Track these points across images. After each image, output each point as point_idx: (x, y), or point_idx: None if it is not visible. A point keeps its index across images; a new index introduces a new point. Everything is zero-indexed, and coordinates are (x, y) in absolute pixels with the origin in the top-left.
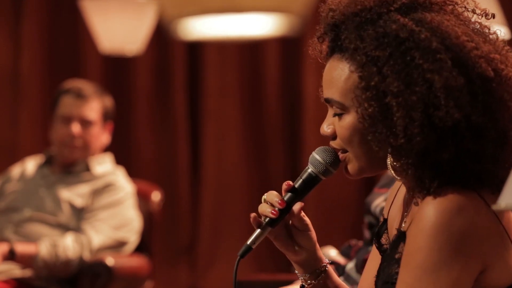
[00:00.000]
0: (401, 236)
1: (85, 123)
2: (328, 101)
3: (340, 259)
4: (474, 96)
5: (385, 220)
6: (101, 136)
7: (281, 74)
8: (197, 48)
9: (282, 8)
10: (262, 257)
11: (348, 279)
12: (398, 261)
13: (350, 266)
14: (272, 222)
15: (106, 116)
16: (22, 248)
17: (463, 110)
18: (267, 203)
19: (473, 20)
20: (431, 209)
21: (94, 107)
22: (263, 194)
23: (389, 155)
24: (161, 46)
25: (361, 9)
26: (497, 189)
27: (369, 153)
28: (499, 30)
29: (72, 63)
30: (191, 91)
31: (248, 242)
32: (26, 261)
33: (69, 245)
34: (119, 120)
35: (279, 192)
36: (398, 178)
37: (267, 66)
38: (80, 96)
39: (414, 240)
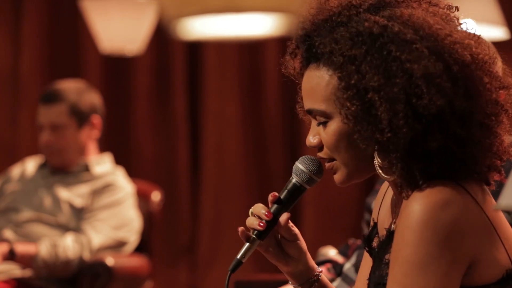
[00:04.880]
0: (390, 236)
1: (55, 128)
2: (310, 112)
3: (339, 259)
4: (454, 82)
5: (376, 224)
6: (79, 136)
7: (281, 74)
8: (197, 48)
9: (282, 8)
10: (262, 257)
11: (346, 279)
12: (388, 263)
13: (348, 266)
14: (260, 234)
15: (82, 114)
16: (22, 248)
17: (445, 96)
18: (255, 216)
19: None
20: (417, 205)
21: (60, 111)
22: (263, 194)
23: (376, 156)
24: (161, 46)
25: (331, 14)
26: (484, 178)
27: (356, 157)
28: (466, 22)
29: (72, 63)
30: (191, 91)
31: (238, 256)
32: (26, 261)
33: (69, 245)
34: (119, 120)
35: (266, 203)
36: (387, 177)
37: (267, 66)
38: (47, 101)
39: (401, 236)
